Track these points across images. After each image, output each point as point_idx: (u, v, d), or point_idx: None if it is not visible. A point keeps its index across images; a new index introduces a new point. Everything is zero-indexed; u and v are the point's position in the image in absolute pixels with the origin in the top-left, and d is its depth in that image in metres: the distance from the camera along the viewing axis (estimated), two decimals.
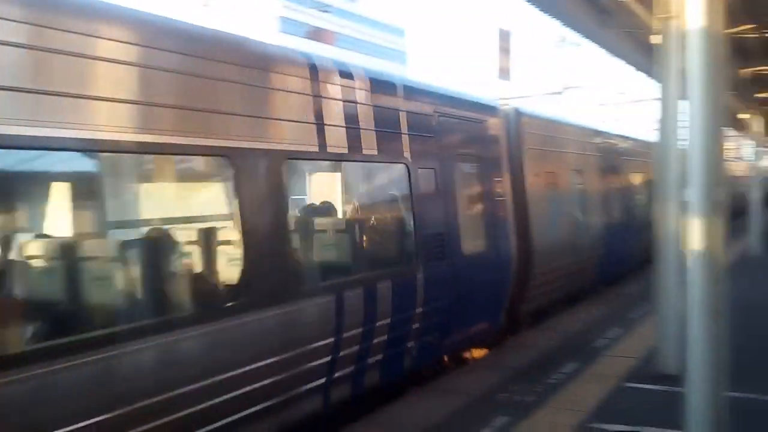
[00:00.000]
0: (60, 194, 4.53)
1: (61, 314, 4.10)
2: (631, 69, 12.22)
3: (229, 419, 4.46)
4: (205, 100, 4.51)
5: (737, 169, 34.63)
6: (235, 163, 4.60)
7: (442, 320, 6.76)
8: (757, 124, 17.40)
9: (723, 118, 4.62)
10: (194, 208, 5.76)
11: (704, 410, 4.31)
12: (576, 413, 5.60)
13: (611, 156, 13.22)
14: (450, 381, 6.85)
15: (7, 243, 4.20)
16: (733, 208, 24.42)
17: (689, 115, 4.40)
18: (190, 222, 5.53)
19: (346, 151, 5.77)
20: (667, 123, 6.70)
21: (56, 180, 4.50)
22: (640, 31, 8.37)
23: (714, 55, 4.38)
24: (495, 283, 7.90)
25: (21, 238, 4.30)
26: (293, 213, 5.89)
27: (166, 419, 3.97)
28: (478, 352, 8.11)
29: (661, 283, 6.66)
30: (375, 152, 6.11)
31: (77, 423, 3.53)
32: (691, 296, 4.38)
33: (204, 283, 4.90)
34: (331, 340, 5.36)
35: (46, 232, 4.52)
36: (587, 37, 10.19)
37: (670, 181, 6.62)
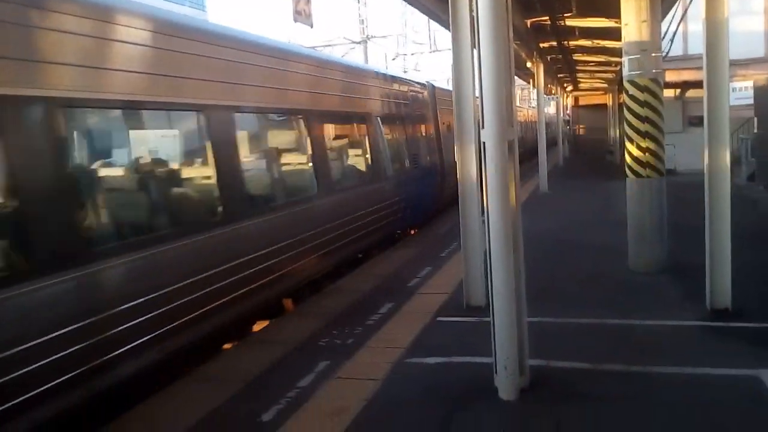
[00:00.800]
0: None
1: None
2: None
3: None
4: None
5: (528, 115, 37.68)
6: None
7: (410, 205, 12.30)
8: (539, 72, 18.85)
9: (511, 64, 4.90)
10: None
11: (508, 336, 4.66)
12: (393, 350, 5.85)
13: None
14: (269, 332, 6.84)
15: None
16: (525, 151, 26.71)
17: (481, 62, 4.62)
18: None
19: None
20: (460, 70, 7.02)
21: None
22: None
23: (501, 5, 4.62)
24: (433, 183, 14.20)
25: None
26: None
27: None
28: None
29: (465, 221, 7.06)
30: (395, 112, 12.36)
31: None
32: (491, 231, 4.66)
33: None
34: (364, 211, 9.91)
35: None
36: None
37: (467, 125, 6.99)
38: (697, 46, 9.03)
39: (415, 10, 11.49)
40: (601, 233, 10.83)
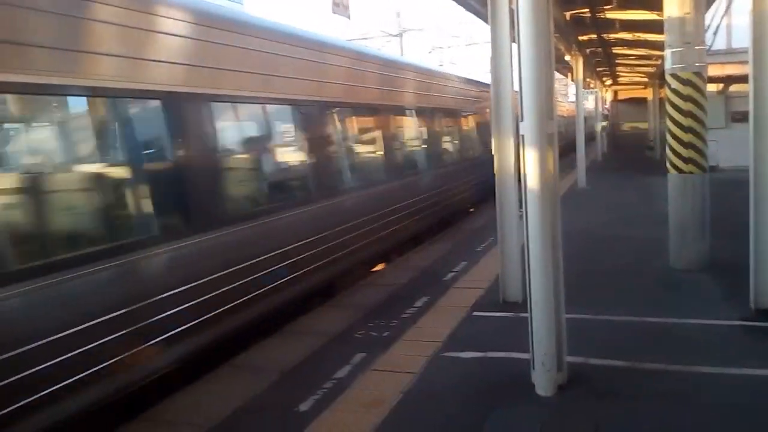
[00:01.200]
0: None
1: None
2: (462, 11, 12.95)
3: None
4: None
5: (566, 109, 37.24)
6: None
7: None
8: (579, 65, 18.59)
9: (551, 58, 4.85)
10: None
11: (546, 332, 4.63)
12: (429, 344, 5.85)
13: None
14: (306, 323, 6.90)
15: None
16: (563, 146, 26.53)
17: (521, 55, 4.58)
18: None
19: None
20: (498, 63, 6.96)
21: None
22: None
23: None
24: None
25: None
26: None
27: None
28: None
29: (502, 215, 7.01)
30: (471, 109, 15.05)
31: None
32: (529, 226, 4.63)
33: None
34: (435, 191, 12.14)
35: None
36: None
37: (506, 118, 6.94)
38: (742, 39, 8.82)
39: (453, 3, 11.41)
40: (641, 229, 10.67)
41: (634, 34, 16.32)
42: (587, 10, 13.47)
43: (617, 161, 27.36)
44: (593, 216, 12.57)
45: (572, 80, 20.57)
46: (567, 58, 18.28)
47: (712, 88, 18.28)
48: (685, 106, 7.74)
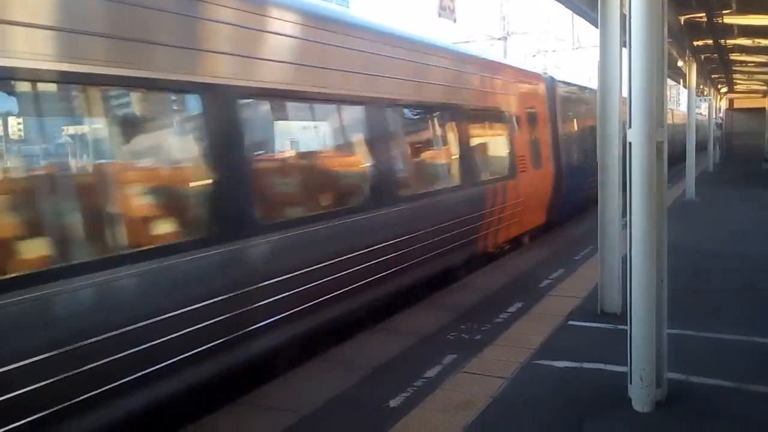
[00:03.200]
0: None
1: None
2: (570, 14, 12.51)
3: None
4: None
5: (676, 116, 35.70)
6: None
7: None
8: (692, 72, 17.80)
9: (664, 63, 4.69)
10: None
11: (646, 345, 4.48)
12: (522, 350, 5.79)
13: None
14: (399, 321, 6.96)
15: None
16: (672, 155, 25.39)
17: (631, 60, 4.45)
18: None
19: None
20: (606, 69, 6.77)
21: None
22: None
23: (657, 2, 4.43)
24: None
25: None
26: None
27: None
28: None
29: (604, 224, 6.84)
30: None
31: None
32: (634, 236, 4.50)
33: None
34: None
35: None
36: None
37: (612, 125, 6.75)
38: None
39: (559, 6, 11.21)
40: (754, 246, 10.12)
41: (754, 41, 15.48)
42: (703, 14, 12.89)
43: (730, 173, 25.95)
44: (701, 229, 12.02)
45: (684, 87, 19.70)
46: (680, 63, 17.53)
47: None
48: None
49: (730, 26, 13.96)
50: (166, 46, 4.55)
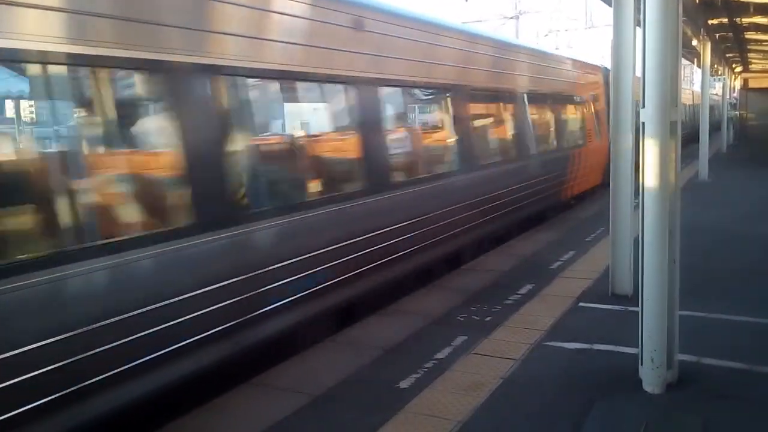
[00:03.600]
0: None
1: None
2: None
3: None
4: None
5: (689, 97, 35.32)
6: None
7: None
8: (706, 51, 17.56)
9: (679, 42, 4.62)
10: None
11: (657, 326, 4.46)
12: (532, 332, 5.78)
13: None
14: (409, 303, 6.97)
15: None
16: (685, 135, 25.29)
17: (645, 39, 4.39)
18: None
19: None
20: (620, 48, 6.70)
21: None
22: None
23: None
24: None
25: None
26: None
27: None
28: None
29: (616, 205, 6.79)
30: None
31: None
32: (646, 217, 4.47)
33: None
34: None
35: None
36: None
37: (625, 105, 6.69)
38: None
39: None
40: (767, 227, 10.01)
41: None
42: None
43: (744, 153, 25.69)
44: (714, 210, 11.91)
45: (698, 66, 19.46)
46: (694, 43, 17.30)
47: None
48: None
49: (746, 4, 13.76)
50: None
